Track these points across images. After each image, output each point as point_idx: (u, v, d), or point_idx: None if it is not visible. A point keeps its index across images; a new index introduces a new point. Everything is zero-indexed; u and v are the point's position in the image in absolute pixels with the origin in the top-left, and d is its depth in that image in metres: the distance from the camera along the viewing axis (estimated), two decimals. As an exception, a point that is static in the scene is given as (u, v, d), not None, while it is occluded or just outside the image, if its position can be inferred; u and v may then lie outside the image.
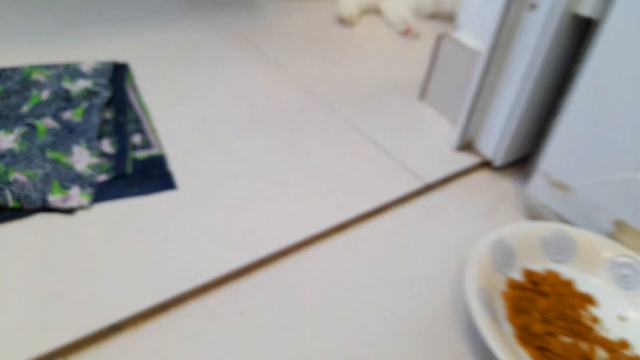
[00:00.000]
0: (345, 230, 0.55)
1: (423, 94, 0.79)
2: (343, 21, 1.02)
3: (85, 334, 0.40)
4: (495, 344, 0.41)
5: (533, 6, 0.55)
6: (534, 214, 0.60)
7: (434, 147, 0.69)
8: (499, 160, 0.66)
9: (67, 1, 0.96)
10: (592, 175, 0.53)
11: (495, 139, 0.65)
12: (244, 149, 0.64)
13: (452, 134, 0.71)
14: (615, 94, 0.49)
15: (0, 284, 0.44)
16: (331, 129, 0.70)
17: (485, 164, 0.68)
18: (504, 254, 0.51)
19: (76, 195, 0.52)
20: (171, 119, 0.67)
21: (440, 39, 0.72)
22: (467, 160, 0.68)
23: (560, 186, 0.57)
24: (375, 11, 1.09)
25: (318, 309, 0.47)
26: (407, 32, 1.00)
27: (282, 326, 0.45)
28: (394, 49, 0.96)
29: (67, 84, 0.68)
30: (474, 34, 0.69)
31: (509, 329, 0.46)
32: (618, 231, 0.53)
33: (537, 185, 0.59)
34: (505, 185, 0.66)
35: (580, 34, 0.58)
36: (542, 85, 0.60)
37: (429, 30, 1.04)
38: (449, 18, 1.10)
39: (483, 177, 0.67)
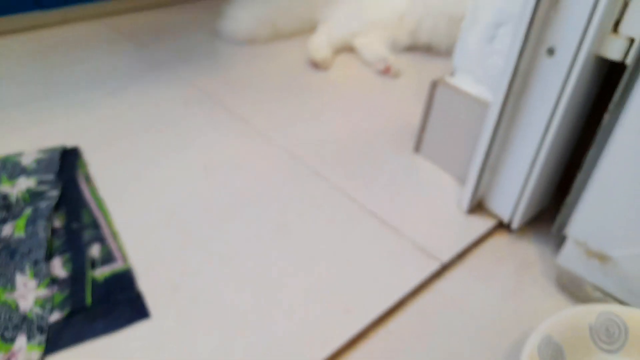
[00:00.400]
0: (358, 343, 0.46)
1: (418, 145, 0.71)
2: (316, 65, 0.94)
3: None
4: None
5: (551, 51, 0.48)
6: (569, 287, 0.53)
7: (441, 211, 0.61)
8: (517, 222, 0.58)
9: (9, 68, 0.85)
10: (638, 244, 0.46)
11: (512, 198, 0.57)
12: (225, 246, 0.54)
13: (458, 193, 0.63)
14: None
15: None
16: (323, 204, 0.61)
17: (501, 225, 0.60)
18: (552, 355, 0.43)
19: (22, 349, 0.41)
20: (135, 214, 0.57)
21: (434, 85, 0.65)
22: (480, 224, 0.59)
23: (599, 256, 0.49)
24: (348, 48, 1.02)
25: None
26: (386, 72, 0.93)
27: None
28: (375, 92, 0.88)
29: (4, 186, 0.57)
30: (474, 79, 0.61)
31: None
32: (677, 309, 0.45)
33: (569, 255, 0.51)
34: (526, 249, 0.58)
35: (605, 78, 0.51)
36: (564, 136, 0.53)
37: (408, 65, 0.97)
38: (427, 49, 1.03)
39: (501, 243, 0.59)
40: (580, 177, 0.51)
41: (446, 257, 0.54)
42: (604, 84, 0.51)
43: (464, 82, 0.62)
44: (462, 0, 0.98)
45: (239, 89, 0.85)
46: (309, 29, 1.05)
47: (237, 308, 0.47)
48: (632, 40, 0.45)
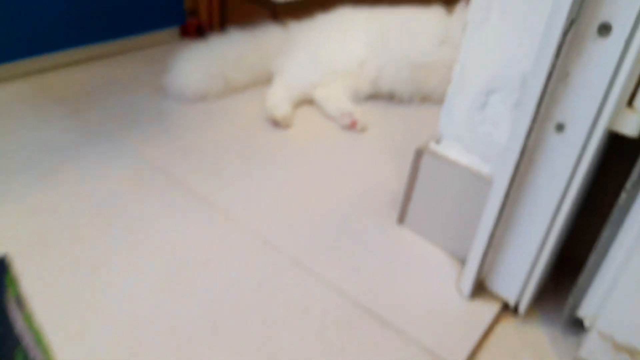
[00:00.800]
0: None
1: (402, 216, 0.64)
2: (276, 123, 0.86)
3: None
4: None
5: (560, 127, 0.43)
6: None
7: (440, 296, 0.55)
8: (525, 304, 0.53)
9: None
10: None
11: (520, 279, 0.52)
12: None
13: (454, 270, 0.57)
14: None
15: None
16: (312, 305, 0.53)
17: (505, 307, 0.55)
18: None
19: None
20: (83, 345, 0.46)
21: (419, 154, 0.59)
22: (485, 310, 0.54)
23: (628, 351, 0.44)
24: (307, 101, 0.95)
25: None
26: (352, 127, 0.87)
27: None
28: (343, 151, 0.82)
29: None
30: (463, 147, 0.56)
31: None
32: None
33: (593, 349, 0.46)
34: (537, 335, 0.53)
35: (620, 154, 0.47)
36: (574, 213, 0.48)
37: (372, 115, 0.92)
38: (389, 97, 0.99)
39: (509, 331, 0.53)
40: (593, 258, 0.47)
41: (453, 357, 0.48)
42: (625, 165, 0.47)
43: (452, 150, 0.57)
44: (424, 46, 0.96)
45: (195, 159, 0.75)
46: (264, 80, 0.98)
47: None
48: (648, 115, 0.41)
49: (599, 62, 0.40)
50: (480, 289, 0.56)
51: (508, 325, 0.54)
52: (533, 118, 0.43)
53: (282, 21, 1.07)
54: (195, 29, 1.18)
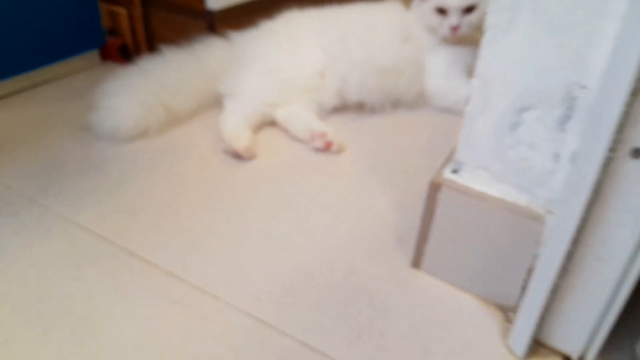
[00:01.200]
0: None
1: (418, 259, 0.53)
2: (238, 156, 0.72)
3: None
4: None
5: (637, 153, 0.34)
6: None
7: (485, 356, 0.44)
8: (592, 358, 0.44)
9: None
10: None
11: (586, 330, 0.42)
12: None
13: (494, 320, 0.47)
14: None
15: None
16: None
17: (567, 362, 0.46)
18: None
19: None
20: None
21: (436, 188, 0.48)
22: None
23: None
24: (269, 122, 0.82)
25: None
26: (327, 149, 0.75)
27: None
28: (322, 179, 0.69)
29: None
30: (490, 177, 0.46)
31: None
32: None
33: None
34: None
35: None
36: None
37: (344, 131, 0.80)
38: (358, 108, 0.87)
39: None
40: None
41: None
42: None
43: (477, 181, 0.46)
44: (388, 46, 0.86)
45: (145, 219, 0.60)
46: (212, 104, 0.84)
47: None
48: None
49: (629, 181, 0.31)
50: (536, 343, 0.46)
51: (574, 387, 0.44)
52: (609, 144, 0.33)
53: (222, 33, 0.92)
54: (118, 50, 1.01)
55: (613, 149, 0.34)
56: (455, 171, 0.48)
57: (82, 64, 0.98)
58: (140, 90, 0.77)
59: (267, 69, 0.83)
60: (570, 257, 0.39)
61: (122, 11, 0.99)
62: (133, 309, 0.48)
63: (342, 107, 0.87)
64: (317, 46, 0.84)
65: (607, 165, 0.35)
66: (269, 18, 0.90)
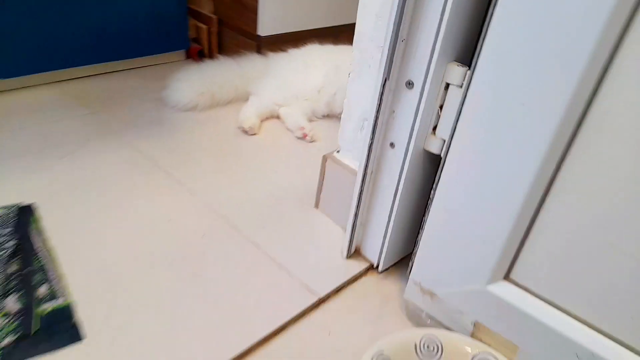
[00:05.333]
0: (246, 357, 0.61)
1: (317, 203, 0.88)
2: (245, 131, 1.12)
3: None
4: None
5: (392, 145, 0.67)
6: (413, 316, 0.70)
7: (327, 256, 0.78)
8: (383, 265, 0.76)
9: (-32, 136, 0.97)
10: (452, 285, 0.64)
11: (378, 246, 0.75)
12: (149, 288, 0.69)
13: (343, 242, 0.80)
14: (459, 220, 0.60)
15: None
16: (234, 252, 0.77)
17: (371, 267, 0.78)
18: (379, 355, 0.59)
19: (-20, 367, 0.54)
20: (79, 261, 0.71)
21: (325, 159, 0.83)
22: (355, 267, 0.77)
23: (429, 293, 0.67)
24: (275, 116, 1.21)
25: None
26: (304, 137, 1.12)
27: None
28: (292, 155, 1.06)
29: (-32, 238, 0.70)
30: (351, 156, 0.80)
31: None
32: (477, 331, 0.63)
33: (411, 292, 0.69)
34: (389, 287, 0.75)
35: (434, 166, 0.70)
36: (412, 202, 0.72)
37: (324, 131, 1.16)
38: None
39: (370, 282, 0.76)
40: (420, 234, 0.70)
41: (324, 292, 0.71)
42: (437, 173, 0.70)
43: (345, 157, 0.81)
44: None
45: (177, 154, 1.01)
46: (243, 98, 1.24)
47: (152, 333, 0.62)
48: (444, 140, 0.64)
49: (408, 104, 0.64)
50: (356, 254, 0.79)
51: (370, 279, 0.77)
52: (374, 139, 0.67)
53: (264, 53, 1.33)
54: (197, 53, 1.46)
55: (382, 143, 0.68)
56: (337, 151, 0.83)
57: (172, 58, 1.44)
58: (199, 81, 1.20)
59: (282, 81, 1.21)
60: (361, 198, 0.72)
61: (203, 27, 1.44)
62: (152, 192, 0.88)
63: (330, 115, 1.23)
64: (320, 71, 1.22)
65: (380, 151, 0.68)
66: (296, 47, 1.29)
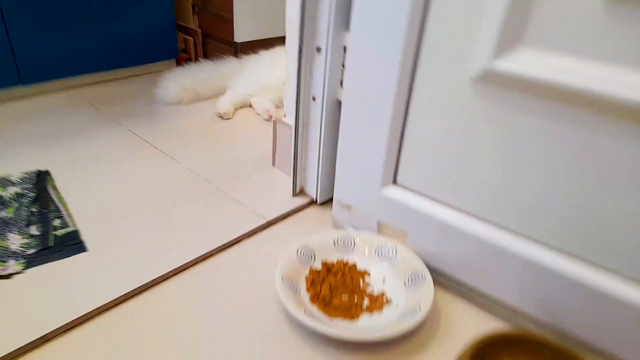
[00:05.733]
0: (209, 260, 0.82)
1: (274, 161, 1.09)
2: (220, 116, 1.34)
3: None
4: (288, 303, 0.68)
5: (314, 99, 0.88)
6: (339, 228, 0.90)
7: (278, 196, 0.99)
8: (319, 198, 0.96)
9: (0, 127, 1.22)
10: (359, 195, 0.84)
11: (315, 184, 0.95)
12: (136, 218, 0.90)
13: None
14: (355, 143, 0.81)
15: (-38, 325, 0.66)
16: (204, 195, 0.98)
17: (313, 202, 0.98)
18: (307, 253, 0.79)
19: (12, 265, 0.75)
20: (82, 204, 0.93)
21: (275, 122, 1.05)
22: (299, 201, 0.97)
23: (347, 207, 0.87)
24: (247, 105, 1.43)
25: (190, 322, 0.72)
26: (270, 119, 1.33)
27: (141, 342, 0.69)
28: (259, 132, 1.28)
29: (1, 192, 0.93)
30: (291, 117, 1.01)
31: (306, 297, 0.73)
32: (380, 228, 0.83)
33: (336, 210, 0.89)
34: (325, 214, 0.95)
35: None
36: (334, 144, 0.92)
37: (288, 114, 1.38)
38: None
39: (310, 212, 0.96)
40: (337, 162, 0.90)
41: (272, 217, 0.91)
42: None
43: (289, 120, 1.02)
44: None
45: (164, 135, 1.23)
46: (221, 93, 1.46)
47: (139, 247, 0.83)
48: (349, 89, 0.85)
49: (320, 65, 0.85)
50: (302, 193, 0.99)
51: (311, 210, 0.97)
52: (299, 95, 0.88)
53: (240, 56, 1.57)
54: (185, 60, 1.70)
55: (306, 97, 0.89)
56: (284, 116, 1.04)
57: (164, 66, 1.69)
58: (182, 80, 1.44)
59: (253, 76, 1.44)
60: (297, 145, 0.93)
61: (190, 39, 1.69)
62: (141, 160, 1.10)
63: (295, 102, 1.45)
64: (283, 67, 1.44)
65: (306, 103, 0.90)
66: (267, 49, 1.52)
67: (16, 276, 0.75)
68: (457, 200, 0.72)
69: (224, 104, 1.36)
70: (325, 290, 0.74)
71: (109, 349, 0.64)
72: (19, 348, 0.63)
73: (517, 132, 0.62)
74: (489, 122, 0.64)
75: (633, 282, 0.59)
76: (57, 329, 0.66)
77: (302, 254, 0.78)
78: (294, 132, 0.92)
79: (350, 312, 0.71)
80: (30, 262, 0.77)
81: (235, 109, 1.40)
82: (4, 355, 0.62)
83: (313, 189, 0.97)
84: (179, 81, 1.43)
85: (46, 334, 0.65)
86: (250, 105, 1.43)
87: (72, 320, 0.67)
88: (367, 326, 0.69)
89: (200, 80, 1.45)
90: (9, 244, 0.80)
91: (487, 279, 0.72)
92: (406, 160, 0.76)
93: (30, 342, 0.63)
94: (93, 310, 0.69)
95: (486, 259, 0.70)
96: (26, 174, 1.00)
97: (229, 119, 1.35)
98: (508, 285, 0.70)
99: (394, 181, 0.80)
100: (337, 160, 0.86)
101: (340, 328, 0.68)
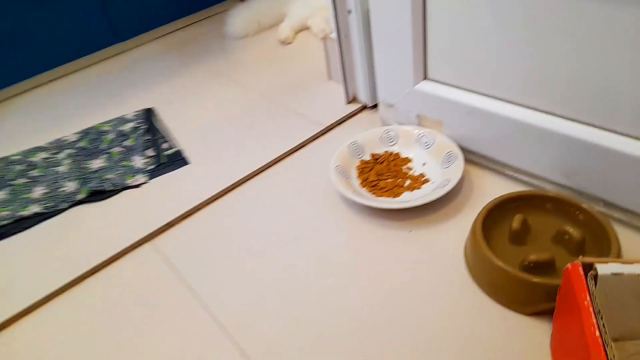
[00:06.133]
0: (280, 162, 1.02)
1: (329, 75, 1.24)
2: (282, 42, 1.49)
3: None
4: (339, 185, 0.85)
5: (350, 12, 1.00)
6: (386, 125, 1.04)
7: (334, 105, 1.14)
8: (370, 102, 1.10)
9: (109, 80, 1.49)
10: (397, 94, 0.96)
11: (364, 90, 1.09)
12: (224, 138, 1.12)
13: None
14: (388, 46, 0.92)
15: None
16: (274, 112, 1.17)
17: (365, 108, 1.12)
18: (356, 148, 0.95)
19: (140, 178, 1.02)
20: (182, 131, 1.16)
21: (325, 39, 1.18)
22: (353, 108, 1.12)
23: (390, 106, 1.00)
24: (306, 28, 1.56)
25: (260, 227, 0.93)
26: (326, 38, 1.45)
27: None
28: (317, 51, 1.41)
29: (121, 127, 1.19)
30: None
31: (357, 183, 0.90)
32: (420, 121, 0.96)
33: (382, 110, 1.03)
34: (375, 116, 1.10)
35: None
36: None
37: (343, 31, 1.48)
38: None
39: (363, 116, 1.11)
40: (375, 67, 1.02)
41: (328, 123, 1.08)
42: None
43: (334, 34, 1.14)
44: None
45: (234, 64, 1.43)
46: (281, 20, 1.60)
47: (228, 158, 1.05)
48: None
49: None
50: (355, 100, 1.13)
51: (363, 114, 1.11)
52: (336, 9, 1.00)
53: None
54: (247, -5, 1.84)
55: (343, 12, 1.00)
56: (331, 33, 1.16)
57: (229, 5, 1.85)
58: (247, 15, 1.59)
59: (304, 3, 1.55)
60: (343, 59, 1.06)
61: (248, -27, 1.82)
62: (222, 90, 1.31)
63: (349, 18, 1.54)
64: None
65: (344, 18, 1.01)
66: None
67: (143, 185, 1.01)
68: (483, 85, 0.83)
69: (284, 30, 1.50)
70: (372, 177, 0.90)
71: (217, 226, 0.88)
72: (157, 229, 0.89)
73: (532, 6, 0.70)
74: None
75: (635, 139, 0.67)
76: (177, 217, 0.91)
77: (352, 148, 0.95)
78: (338, 44, 1.05)
79: (394, 190, 0.87)
80: (151, 175, 1.03)
81: (296, 33, 1.54)
82: (152, 232, 0.88)
83: (363, 95, 1.11)
84: (243, 16, 1.59)
85: (170, 221, 0.90)
86: (309, 28, 1.55)
87: (187, 211, 0.92)
88: (407, 199, 0.85)
89: (261, 13, 1.60)
90: (134, 164, 1.06)
91: (513, 153, 0.83)
92: (433, 56, 0.87)
93: (161, 226, 0.89)
94: (200, 203, 0.93)
95: (512, 135, 0.81)
96: (137, 112, 1.26)
97: (290, 43, 1.50)
98: (532, 156, 0.80)
99: (425, 76, 0.91)
100: (375, 65, 0.98)
101: (384, 202, 0.85)
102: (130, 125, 1.20)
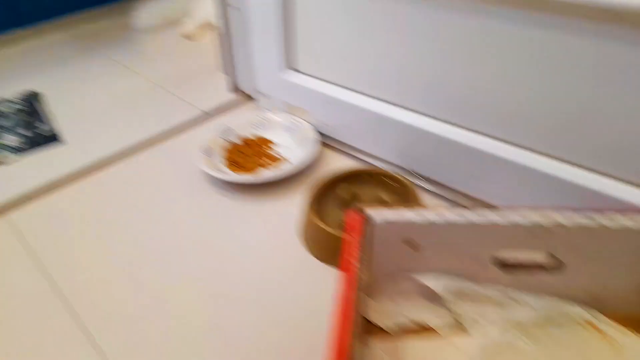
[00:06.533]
0: (160, 143, 1.04)
1: (219, 66, 1.28)
2: (186, 37, 1.52)
3: (15, 200, 0.88)
4: (203, 164, 0.89)
5: (229, 5, 1.05)
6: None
7: (218, 94, 1.18)
8: (252, 94, 1.15)
9: (1, 64, 1.46)
10: (269, 83, 1.02)
11: (245, 80, 1.14)
12: (106, 123, 1.13)
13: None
14: (258, 39, 0.98)
15: None
16: (161, 102, 1.19)
17: (249, 97, 1.17)
18: (226, 131, 0.99)
19: (9, 155, 1.01)
20: (66, 116, 1.16)
21: (217, 31, 1.22)
22: (235, 97, 1.17)
23: (262, 94, 1.05)
24: (211, 23, 1.60)
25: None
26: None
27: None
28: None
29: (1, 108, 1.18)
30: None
31: (222, 162, 0.94)
32: (288, 108, 1.01)
33: (257, 98, 1.08)
34: (255, 105, 1.15)
35: None
36: (251, 44, 1.09)
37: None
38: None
39: (247, 105, 1.16)
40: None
41: (207, 109, 1.12)
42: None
43: (224, 27, 1.19)
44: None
45: (136, 56, 1.44)
46: (187, 15, 1.63)
47: (107, 138, 1.06)
48: None
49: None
50: (239, 90, 1.18)
51: (248, 104, 1.16)
52: (218, 2, 1.04)
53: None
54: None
55: (224, 5, 1.05)
56: (221, 25, 1.21)
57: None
58: (153, 8, 1.61)
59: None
60: (226, 41, 1.10)
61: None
62: (111, 80, 1.31)
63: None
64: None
65: (225, 13, 1.06)
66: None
67: (12, 163, 1.00)
68: (339, 77, 0.89)
69: (187, 25, 1.54)
70: (237, 157, 0.95)
71: (79, 205, 0.89)
72: (11, 202, 0.88)
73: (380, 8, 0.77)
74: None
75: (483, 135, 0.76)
76: (36, 191, 0.91)
77: (222, 131, 0.99)
78: (221, 36, 1.09)
79: (255, 170, 0.92)
80: (21, 153, 1.03)
81: (200, 28, 1.57)
82: (5, 204, 0.87)
83: (244, 85, 1.16)
84: (150, 9, 1.61)
85: (28, 194, 0.90)
86: (212, 23, 1.59)
87: (47, 186, 0.92)
88: (264, 176, 0.90)
89: (168, 7, 1.62)
90: (4, 141, 1.05)
91: (360, 137, 0.90)
92: (300, 49, 0.93)
93: (16, 200, 0.89)
94: (62, 179, 0.94)
95: (360, 122, 0.88)
96: (21, 94, 1.25)
97: (193, 37, 1.53)
98: (375, 140, 0.88)
99: (291, 67, 0.97)
100: (252, 56, 1.03)
101: (238, 177, 0.89)
102: (11, 105, 1.19)
